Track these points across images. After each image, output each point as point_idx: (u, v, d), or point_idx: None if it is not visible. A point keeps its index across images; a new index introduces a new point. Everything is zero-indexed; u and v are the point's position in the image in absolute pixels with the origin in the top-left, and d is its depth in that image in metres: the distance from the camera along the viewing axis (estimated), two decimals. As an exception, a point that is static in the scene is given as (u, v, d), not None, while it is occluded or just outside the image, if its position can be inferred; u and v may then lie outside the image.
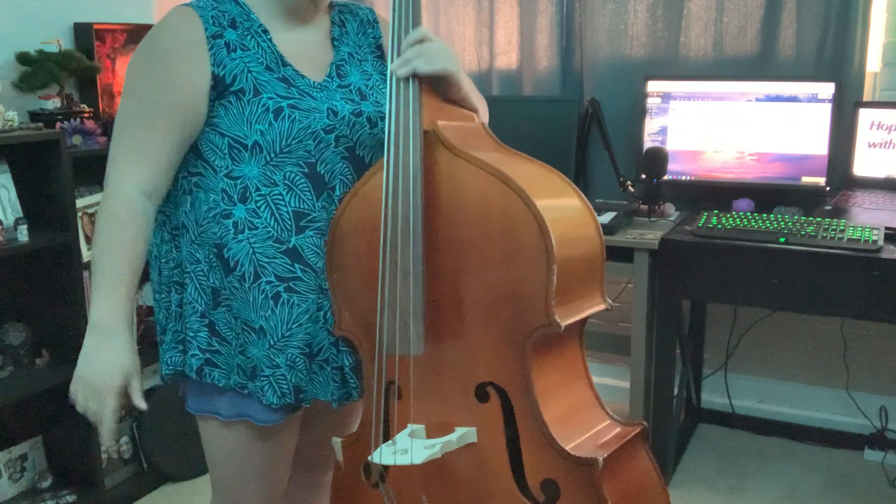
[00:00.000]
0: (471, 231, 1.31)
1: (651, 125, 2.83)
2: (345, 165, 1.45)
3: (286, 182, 1.41)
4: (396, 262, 1.32)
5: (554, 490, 1.32)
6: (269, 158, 1.39)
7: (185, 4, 1.42)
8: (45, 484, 2.54)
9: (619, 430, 1.42)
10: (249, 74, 1.39)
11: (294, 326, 1.44)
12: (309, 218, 1.42)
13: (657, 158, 2.69)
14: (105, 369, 1.35)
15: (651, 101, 2.82)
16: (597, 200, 2.82)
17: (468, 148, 1.33)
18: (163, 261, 1.49)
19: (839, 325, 2.86)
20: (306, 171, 1.41)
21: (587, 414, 1.42)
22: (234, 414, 1.48)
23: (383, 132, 1.48)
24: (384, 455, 1.35)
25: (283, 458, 1.60)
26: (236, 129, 1.39)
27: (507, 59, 3.17)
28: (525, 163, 1.39)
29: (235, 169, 1.40)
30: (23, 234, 2.27)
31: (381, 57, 1.57)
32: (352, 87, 1.49)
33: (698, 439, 3.06)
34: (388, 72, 1.37)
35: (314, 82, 1.45)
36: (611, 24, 2.95)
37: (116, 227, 1.36)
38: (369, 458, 1.39)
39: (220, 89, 1.38)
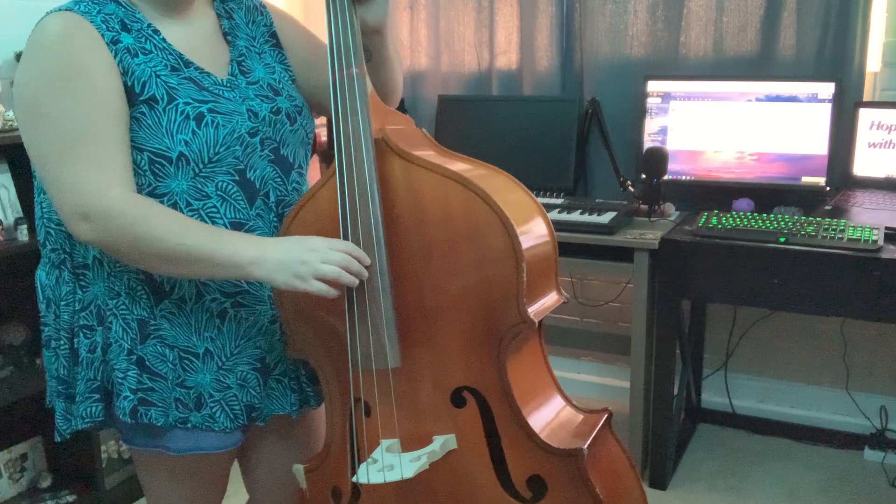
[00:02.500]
0: (434, 237, 1.29)
1: (651, 125, 2.83)
2: (273, 170, 1.40)
3: (219, 193, 1.33)
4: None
5: (541, 486, 1.32)
6: (198, 170, 1.30)
7: (65, 9, 1.28)
8: (45, 484, 2.54)
9: (587, 417, 1.43)
10: (158, 79, 1.29)
11: (243, 342, 1.39)
12: (246, 227, 1.36)
13: (657, 158, 2.69)
14: (293, 244, 1.26)
15: (651, 101, 2.82)
16: (597, 200, 2.81)
17: (417, 152, 1.32)
18: (62, 304, 1.35)
19: (839, 325, 2.86)
20: (237, 178, 1.35)
21: (555, 405, 1.43)
22: (185, 448, 1.39)
23: (303, 128, 1.45)
24: (371, 474, 1.32)
25: (226, 473, 1.54)
26: (155, 141, 1.28)
27: (507, 59, 3.17)
28: (472, 164, 1.38)
29: (160, 186, 1.29)
30: (23, 234, 2.27)
31: (278, 45, 1.50)
32: (261, 82, 1.42)
33: (698, 439, 3.05)
34: (331, 83, 1.31)
35: (222, 80, 1.37)
36: (611, 24, 2.95)
37: (156, 214, 1.24)
38: (353, 479, 1.35)
39: (130, 101, 1.27)
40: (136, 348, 1.33)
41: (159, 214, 1.25)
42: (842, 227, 2.34)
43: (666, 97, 2.80)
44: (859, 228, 2.31)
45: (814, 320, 2.93)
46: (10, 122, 2.30)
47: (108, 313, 1.33)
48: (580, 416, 1.43)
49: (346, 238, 1.29)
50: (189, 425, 1.36)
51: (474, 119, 3.06)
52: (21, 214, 2.35)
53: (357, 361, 1.34)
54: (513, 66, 3.17)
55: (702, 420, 3.16)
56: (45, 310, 1.40)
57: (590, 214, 2.63)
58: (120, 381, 1.33)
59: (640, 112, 2.85)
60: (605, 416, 1.42)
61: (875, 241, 2.25)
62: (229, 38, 1.43)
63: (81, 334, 1.35)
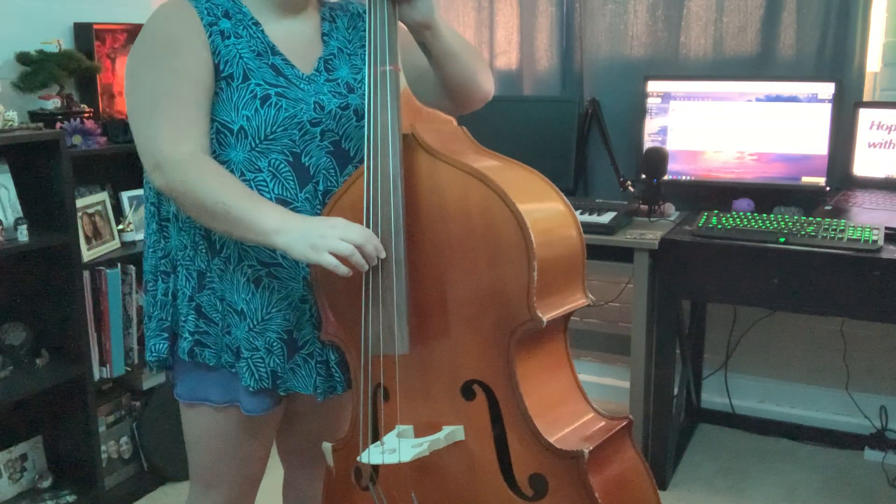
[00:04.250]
0: (452, 231, 1.33)
1: (651, 125, 2.83)
2: (329, 160, 1.47)
3: (270, 169, 1.43)
4: (379, 264, 1.34)
5: (542, 484, 1.33)
6: (254, 144, 1.41)
7: None
8: (45, 484, 2.54)
9: (604, 423, 1.44)
10: (241, 60, 1.42)
11: (273, 311, 1.47)
12: (291, 207, 1.43)
13: (657, 158, 2.69)
14: (316, 220, 1.35)
15: (651, 101, 2.82)
16: (597, 200, 2.82)
17: (447, 150, 1.35)
18: (151, 250, 1.53)
19: (839, 325, 2.86)
20: (291, 160, 1.44)
21: (572, 408, 1.44)
22: (226, 399, 1.52)
23: None
24: (372, 455, 1.37)
25: (262, 447, 1.63)
26: (224, 114, 1.41)
27: (507, 59, 3.17)
28: (507, 164, 1.41)
29: (222, 154, 1.42)
30: (23, 234, 2.27)
31: None
32: (339, 80, 1.50)
33: (698, 439, 3.06)
34: (366, 78, 1.37)
35: (303, 74, 1.47)
36: (611, 24, 2.95)
37: (211, 172, 1.36)
38: (358, 458, 1.40)
39: (215, 77, 1.41)
40: (195, 296, 1.49)
41: (213, 173, 1.36)
42: (842, 227, 2.34)
43: (666, 97, 2.80)
44: (859, 228, 2.31)
45: (814, 320, 2.92)
46: (10, 122, 2.30)
47: (177, 263, 1.50)
48: (599, 422, 1.43)
49: (367, 227, 1.35)
50: (234, 370, 1.49)
51: (474, 119, 3.04)
52: (21, 214, 2.35)
53: (368, 346, 1.39)
54: (513, 66, 3.17)
55: (702, 420, 3.16)
56: (144, 258, 1.57)
57: (590, 214, 2.63)
58: (182, 324, 1.50)
59: (640, 112, 2.85)
60: (623, 423, 1.43)
61: (875, 241, 2.25)
62: (325, 38, 1.54)
63: (160, 279, 1.52)
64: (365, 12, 1.57)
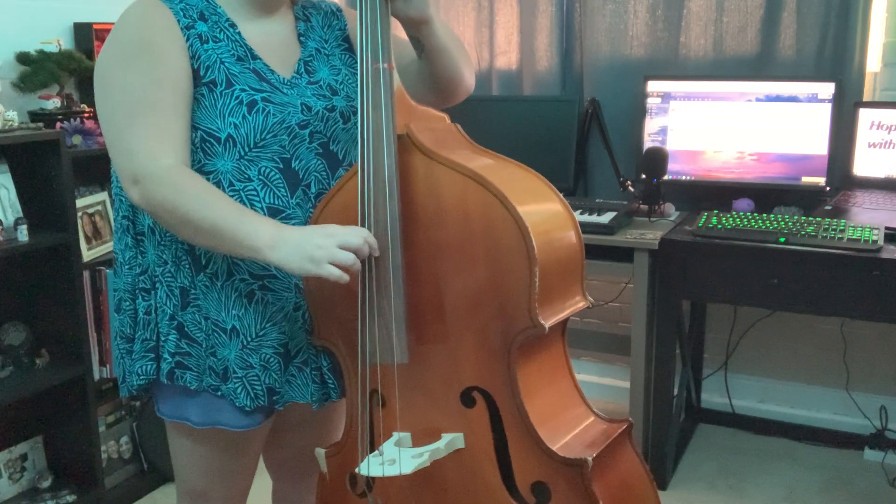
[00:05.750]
0: (450, 236, 1.29)
1: (651, 125, 2.83)
2: (319, 162, 1.43)
3: (261, 177, 1.38)
4: (375, 271, 1.30)
5: (544, 492, 1.31)
6: (243, 153, 1.36)
7: None
8: (45, 484, 2.54)
9: (604, 427, 1.41)
10: (222, 65, 1.36)
11: (268, 325, 1.42)
12: (284, 215, 1.39)
13: (657, 158, 2.69)
14: (310, 230, 1.29)
15: (651, 101, 2.82)
16: (597, 200, 2.82)
17: (443, 150, 1.31)
18: (126, 267, 1.45)
19: (839, 325, 2.86)
20: (281, 166, 1.39)
21: (573, 413, 1.42)
22: (206, 422, 1.45)
23: (357, 127, 1.45)
24: (372, 466, 1.33)
25: (249, 462, 1.58)
26: (209, 121, 1.35)
27: (507, 59, 3.17)
28: (502, 163, 1.37)
29: (207, 164, 1.36)
30: (23, 234, 2.26)
31: (349, 49, 1.53)
32: (322, 82, 1.46)
33: (698, 439, 3.05)
34: (359, 76, 1.32)
35: (284, 78, 1.42)
36: (611, 24, 2.95)
37: (194, 186, 1.29)
38: (356, 469, 1.37)
39: (194, 82, 1.35)
40: (177, 314, 1.41)
41: (196, 187, 1.29)
42: (842, 227, 2.33)
43: (666, 97, 2.80)
44: (859, 228, 2.31)
45: (814, 320, 2.92)
46: (10, 123, 2.30)
47: (156, 279, 1.42)
48: (600, 426, 1.41)
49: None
50: (219, 393, 1.42)
51: (474, 119, 3.05)
52: (21, 214, 2.34)
53: (366, 356, 1.35)
54: (513, 66, 3.17)
55: (702, 420, 3.16)
56: (115, 274, 1.49)
57: (590, 214, 2.63)
58: (162, 343, 1.42)
59: (640, 112, 2.85)
60: (623, 426, 1.40)
61: (875, 241, 2.25)
62: (302, 39, 1.49)
63: (140, 297, 1.44)
64: (339, 10, 1.55)
